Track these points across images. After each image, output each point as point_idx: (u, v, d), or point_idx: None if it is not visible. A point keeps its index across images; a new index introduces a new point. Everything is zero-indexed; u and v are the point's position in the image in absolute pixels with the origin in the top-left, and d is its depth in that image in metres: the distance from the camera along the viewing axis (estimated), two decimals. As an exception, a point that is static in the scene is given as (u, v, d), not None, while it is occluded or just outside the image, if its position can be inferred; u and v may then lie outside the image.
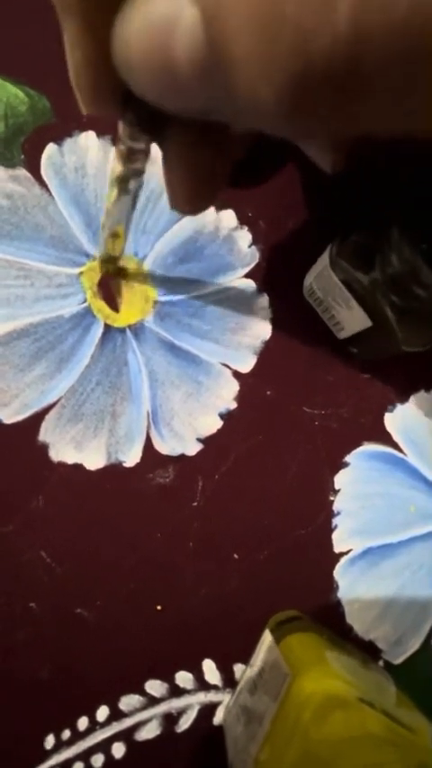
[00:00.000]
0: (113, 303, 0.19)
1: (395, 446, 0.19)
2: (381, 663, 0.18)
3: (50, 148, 0.20)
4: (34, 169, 0.20)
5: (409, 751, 0.11)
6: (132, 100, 0.10)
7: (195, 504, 0.18)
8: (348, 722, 0.12)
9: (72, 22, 0.09)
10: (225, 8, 0.07)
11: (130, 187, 0.13)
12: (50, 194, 0.19)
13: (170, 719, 0.16)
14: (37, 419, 0.18)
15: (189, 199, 0.13)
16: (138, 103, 0.10)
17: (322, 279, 0.17)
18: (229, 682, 0.17)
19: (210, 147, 0.12)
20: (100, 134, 0.20)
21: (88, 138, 0.20)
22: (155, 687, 0.17)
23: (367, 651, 0.18)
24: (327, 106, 0.07)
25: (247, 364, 0.19)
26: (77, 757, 0.16)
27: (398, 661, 0.18)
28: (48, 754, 0.16)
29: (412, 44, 0.06)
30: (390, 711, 0.12)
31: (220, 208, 0.20)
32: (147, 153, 0.12)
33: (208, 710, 0.17)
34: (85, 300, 0.19)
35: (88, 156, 0.20)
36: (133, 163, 0.12)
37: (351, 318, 0.17)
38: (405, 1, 0.06)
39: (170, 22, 0.07)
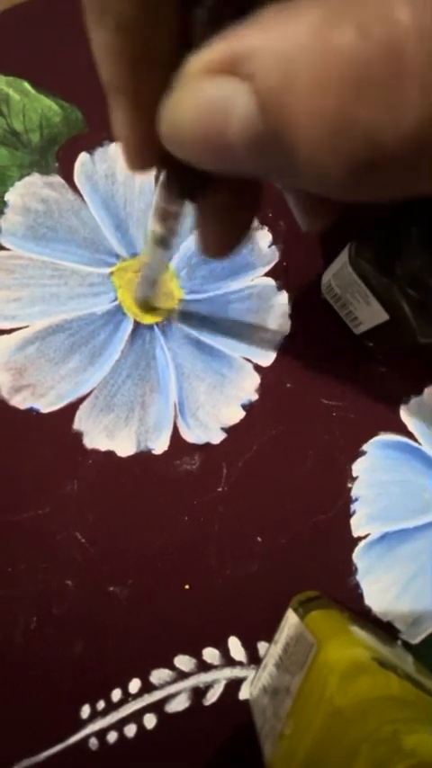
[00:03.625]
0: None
1: (410, 436, 0.20)
2: (399, 643, 0.18)
3: (83, 157, 0.21)
4: (68, 176, 0.21)
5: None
6: (171, 166, 0.11)
7: (220, 489, 0.19)
8: (373, 686, 0.13)
9: (119, 101, 0.10)
10: (288, 102, 0.07)
11: (168, 244, 0.14)
12: (83, 199, 0.21)
13: (198, 693, 0.17)
14: (72, 409, 0.19)
15: (220, 249, 0.14)
16: (176, 172, 0.11)
17: (341, 276, 0.18)
18: (254, 659, 0.18)
19: (242, 203, 0.13)
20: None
21: (118, 148, 0.21)
22: (184, 662, 0.17)
23: (386, 631, 0.18)
24: (390, 183, 0.08)
25: (267, 358, 0.20)
26: (111, 727, 0.17)
27: (415, 641, 0.18)
28: (84, 723, 0.17)
29: None
30: (413, 676, 0.13)
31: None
32: (182, 214, 0.13)
33: (234, 685, 0.17)
34: (115, 299, 0.20)
35: (118, 164, 0.21)
36: (169, 223, 0.13)
37: (369, 313, 0.18)
38: None
39: (224, 107, 0.08)
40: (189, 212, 0.13)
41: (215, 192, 0.12)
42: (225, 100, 0.08)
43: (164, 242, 0.14)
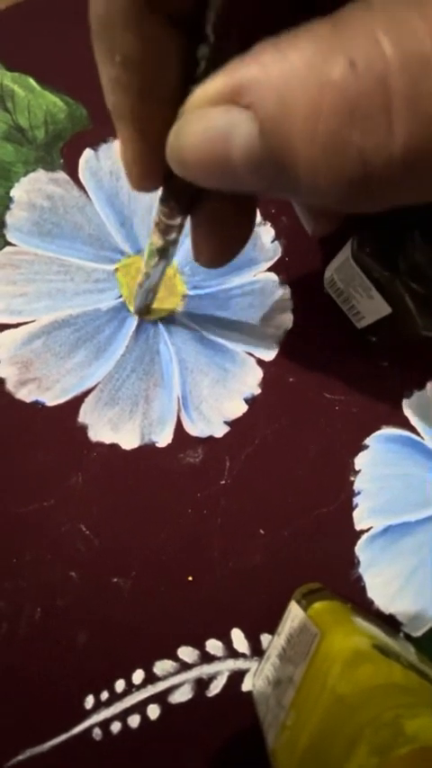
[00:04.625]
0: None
1: (412, 430, 0.20)
2: (401, 635, 0.18)
3: (87, 153, 0.21)
4: (73, 172, 0.21)
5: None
6: (172, 183, 0.12)
7: (223, 482, 0.19)
8: (375, 673, 0.13)
9: (125, 126, 0.11)
10: (285, 129, 0.08)
11: (168, 255, 0.15)
12: (88, 196, 0.21)
13: (201, 684, 0.17)
14: (77, 402, 0.19)
15: (214, 257, 0.14)
16: (177, 190, 0.12)
17: (344, 270, 0.18)
18: (257, 650, 0.18)
19: (239, 217, 0.13)
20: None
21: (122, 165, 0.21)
22: (187, 653, 0.18)
23: (388, 624, 0.18)
24: (383, 198, 0.08)
25: (270, 353, 0.20)
26: (115, 717, 0.17)
27: (417, 634, 0.18)
28: (88, 714, 0.17)
29: None
30: (416, 665, 0.13)
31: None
32: (182, 227, 0.14)
33: (237, 677, 0.18)
34: (120, 296, 0.20)
35: (122, 160, 0.21)
36: (170, 236, 0.14)
37: (371, 307, 0.18)
38: None
39: (227, 132, 0.08)
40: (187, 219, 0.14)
41: (211, 204, 0.13)
42: (228, 126, 0.08)
43: (163, 253, 0.15)
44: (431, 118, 0.07)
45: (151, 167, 0.11)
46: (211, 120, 0.08)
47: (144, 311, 0.20)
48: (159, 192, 0.13)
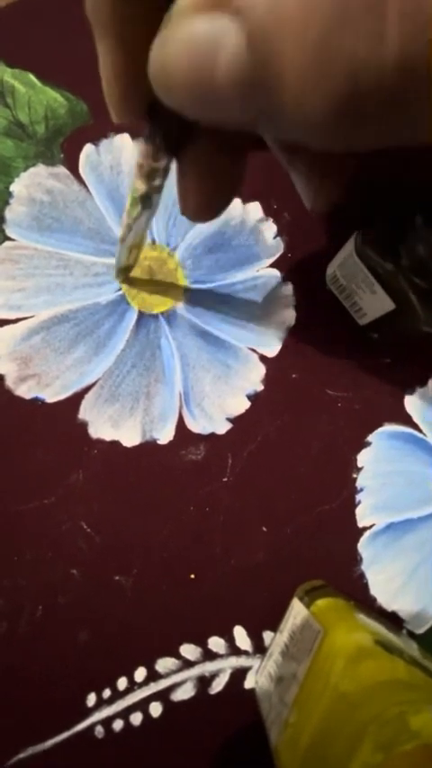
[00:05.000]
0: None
1: (415, 426, 0.20)
2: (404, 632, 0.18)
3: (88, 148, 0.21)
4: (73, 167, 0.21)
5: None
6: (159, 115, 0.10)
7: (225, 479, 0.19)
8: (379, 670, 0.13)
9: (106, 38, 0.10)
10: (275, 34, 0.07)
11: (151, 204, 0.14)
12: (88, 190, 0.21)
13: (204, 682, 0.17)
14: (77, 399, 0.19)
15: (202, 208, 0.13)
16: (163, 120, 0.11)
17: (347, 266, 0.18)
18: (259, 648, 0.18)
19: (228, 157, 0.12)
20: (134, 136, 0.21)
21: (123, 139, 0.21)
22: (189, 651, 0.17)
23: (391, 621, 0.18)
24: (372, 119, 0.08)
25: (272, 349, 0.20)
26: (117, 715, 0.17)
27: (420, 631, 0.18)
28: (90, 711, 0.17)
29: None
30: (419, 661, 0.13)
31: (246, 200, 0.21)
32: (167, 170, 0.13)
33: (239, 674, 0.17)
34: (119, 288, 0.20)
35: (123, 155, 0.21)
36: (154, 180, 0.13)
37: (374, 303, 0.18)
38: None
39: (213, 44, 0.08)
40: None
41: (199, 144, 0.11)
42: (214, 36, 0.07)
43: (147, 200, 0.13)
44: (427, 22, 0.06)
45: (135, 91, 0.10)
46: (197, 29, 0.08)
47: (125, 273, 0.19)
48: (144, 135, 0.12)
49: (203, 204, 0.13)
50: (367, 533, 0.19)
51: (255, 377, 0.20)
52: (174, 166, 0.13)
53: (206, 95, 0.08)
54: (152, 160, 0.12)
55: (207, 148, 0.12)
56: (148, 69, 0.09)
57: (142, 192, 0.13)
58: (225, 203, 0.13)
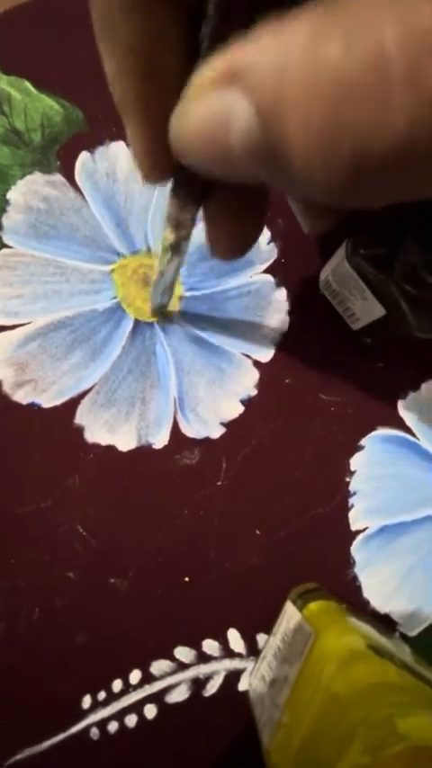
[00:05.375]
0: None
1: (408, 430, 0.20)
2: (397, 635, 0.18)
3: (84, 156, 0.21)
4: (69, 175, 0.21)
5: (430, 696, 0.12)
6: (184, 176, 0.12)
7: (219, 483, 0.19)
8: (370, 672, 0.13)
9: (131, 116, 0.11)
10: (281, 113, 0.07)
11: (180, 251, 0.15)
12: (84, 198, 0.21)
13: (198, 684, 0.17)
14: (73, 404, 0.19)
15: (231, 249, 0.14)
16: (187, 177, 0.12)
17: (339, 272, 0.18)
18: (253, 651, 0.18)
19: (250, 206, 0.13)
20: (130, 143, 0.22)
21: (119, 147, 0.22)
22: (183, 653, 0.18)
23: (384, 624, 0.18)
24: (380, 190, 0.08)
25: (266, 354, 0.21)
26: (113, 717, 0.17)
27: (413, 633, 0.18)
28: (85, 713, 0.17)
29: None
30: (410, 666, 0.13)
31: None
32: (194, 220, 0.14)
33: (233, 677, 0.18)
34: (115, 296, 0.20)
35: (118, 163, 0.21)
36: (181, 230, 0.14)
37: (366, 309, 0.18)
38: None
39: (225, 117, 0.08)
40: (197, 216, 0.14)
41: (223, 196, 0.13)
42: (227, 110, 0.08)
43: (176, 248, 0.15)
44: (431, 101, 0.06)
45: (161, 158, 0.11)
46: (210, 103, 0.08)
47: (160, 311, 0.20)
48: (168, 185, 0.13)
49: (232, 246, 0.14)
50: (360, 536, 0.19)
51: (248, 382, 0.20)
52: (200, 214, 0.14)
53: (222, 163, 0.09)
54: (179, 211, 0.13)
55: (231, 197, 0.13)
56: (171, 139, 0.10)
57: (172, 242, 0.14)
58: (252, 242, 0.14)
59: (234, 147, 0.08)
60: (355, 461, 0.20)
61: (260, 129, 0.08)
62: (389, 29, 0.06)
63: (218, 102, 0.08)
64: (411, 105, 0.07)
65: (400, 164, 0.07)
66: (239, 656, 0.18)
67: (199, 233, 0.21)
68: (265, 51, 0.07)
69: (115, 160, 0.21)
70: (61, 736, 0.17)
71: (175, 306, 0.21)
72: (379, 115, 0.07)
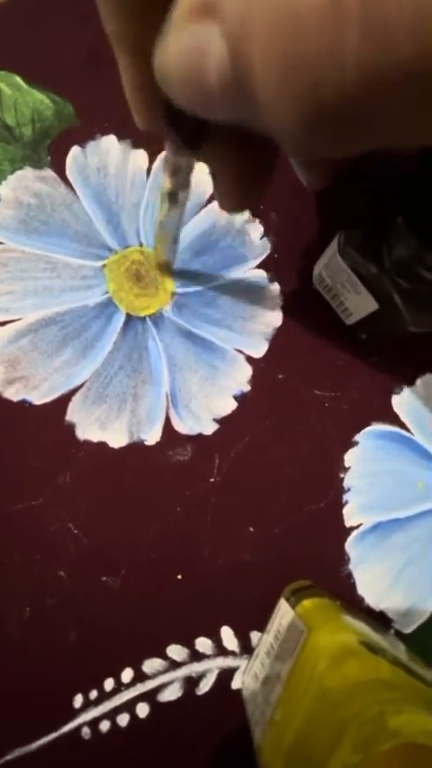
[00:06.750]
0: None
1: (402, 426, 0.20)
2: (391, 632, 0.18)
3: (74, 151, 0.21)
4: (60, 170, 0.21)
5: (422, 693, 0.12)
6: (174, 116, 0.11)
7: (212, 480, 0.19)
8: (362, 669, 0.13)
9: (124, 51, 0.11)
10: (247, 45, 0.07)
11: (179, 199, 0.15)
12: (75, 193, 0.21)
13: (191, 682, 0.17)
14: (64, 401, 0.19)
15: (235, 201, 0.14)
16: (178, 119, 0.11)
17: (331, 267, 0.18)
18: (246, 648, 0.18)
19: (250, 153, 0.13)
20: (120, 138, 0.21)
21: (110, 141, 0.21)
22: (176, 651, 0.17)
23: (378, 621, 0.18)
24: (339, 131, 0.08)
25: (259, 350, 0.20)
26: (104, 716, 0.17)
27: (408, 630, 0.18)
28: (77, 713, 0.17)
29: (415, 81, 0.07)
30: (403, 663, 0.13)
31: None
32: (190, 168, 0.14)
33: (226, 675, 0.18)
34: (107, 291, 0.20)
35: (110, 157, 0.21)
36: (179, 177, 0.14)
37: (359, 303, 0.18)
38: (407, 46, 0.06)
39: (202, 51, 0.08)
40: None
41: (220, 140, 0.12)
42: (203, 42, 0.08)
43: (173, 197, 0.14)
44: (386, 33, 0.06)
45: (153, 98, 0.11)
46: (187, 35, 0.08)
47: (166, 267, 0.20)
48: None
49: (237, 199, 0.14)
50: (355, 533, 0.19)
51: (241, 377, 0.20)
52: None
53: (201, 98, 0.09)
54: (173, 155, 0.13)
55: (227, 149, 0.12)
56: (155, 71, 0.10)
57: (169, 189, 0.14)
58: (257, 194, 0.14)
59: (209, 81, 0.08)
60: (350, 457, 0.20)
61: (231, 65, 0.08)
62: None
63: (193, 34, 0.08)
64: (363, 37, 0.06)
65: (355, 104, 0.07)
66: (233, 654, 0.18)
67: (191, 227, 0.21)
68: None
69: (106, 155, 0.21)
70: (52, 736, 0.17)
71: (167, 302, 0.20)
72: (334, 47, 0.07)
